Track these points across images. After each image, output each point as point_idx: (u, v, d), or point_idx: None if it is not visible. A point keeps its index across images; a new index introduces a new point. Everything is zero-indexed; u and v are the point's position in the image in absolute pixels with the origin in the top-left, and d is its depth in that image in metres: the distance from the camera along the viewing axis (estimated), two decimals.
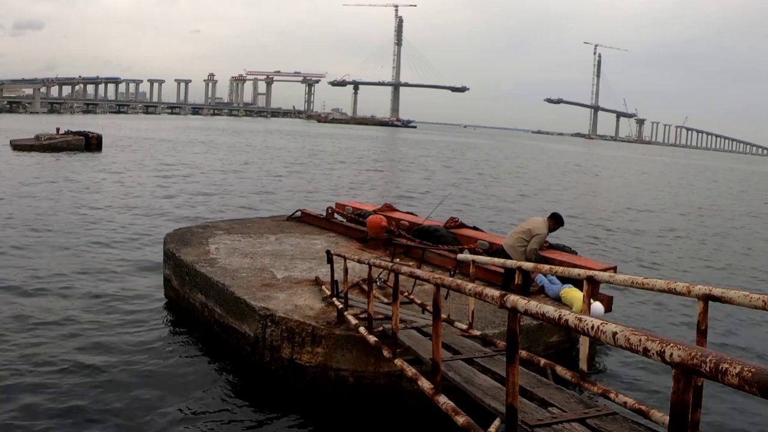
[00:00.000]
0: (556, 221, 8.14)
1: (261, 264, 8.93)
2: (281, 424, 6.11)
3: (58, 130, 41.47)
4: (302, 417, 6.22)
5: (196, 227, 11.58)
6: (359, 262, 7.10)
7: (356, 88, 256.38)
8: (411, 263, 9.11)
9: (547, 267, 5.90)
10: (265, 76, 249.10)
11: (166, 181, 26.32)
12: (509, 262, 6.67)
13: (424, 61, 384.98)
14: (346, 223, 12.10)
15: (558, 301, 8.01)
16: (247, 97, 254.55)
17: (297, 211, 13.32)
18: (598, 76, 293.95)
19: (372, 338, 5.74)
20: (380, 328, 6.10)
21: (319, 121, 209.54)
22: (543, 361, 5.10)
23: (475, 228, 11.38)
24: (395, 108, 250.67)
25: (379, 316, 6.44)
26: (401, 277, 5.24)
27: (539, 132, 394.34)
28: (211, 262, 8.80)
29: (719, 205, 34.10)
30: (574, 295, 7.78)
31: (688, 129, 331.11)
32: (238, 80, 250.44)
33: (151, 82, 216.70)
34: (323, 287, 7.68)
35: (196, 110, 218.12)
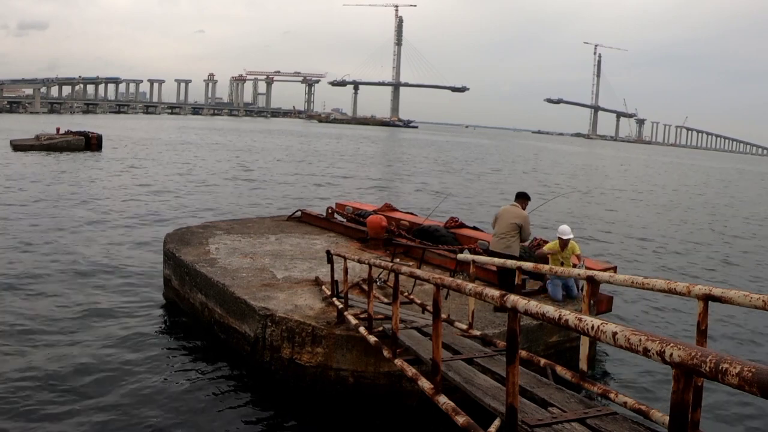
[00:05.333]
0: (524, 199, 8.32)
1: (261, 264, 8.93)
2: (281, 424, 6.11)
3: (58, 130, 41.52)
4: (302, 417, 6.22)
5: (196, 227, 11.57)
6: (359, 262, 7.10)
7: (356, 88, 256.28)
8: (411, 263, 9.11)
9: (547, 267, 5.92)
10: (265, 76, 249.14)
11: (165, 180, 26.32)
12: (510, 262, 6.67)
13: (424, 61, 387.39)
14: (346, 223, 12.09)
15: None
16: (247, 97, 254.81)
17: (297, 211, 13.32)
18: (598, 76, 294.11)
19: (372, 338, 5.74)
20: (380, 328, 6.10)
21: (319, 121, 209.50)
22: (543, 361, 5.10)
23: (475, 228, 11.38)
24: (395, 108, 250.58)
25: (379, 316, 6.44)
26: (401, 277, 5.24)
27: (539, 132, 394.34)
28: (211, 262, 8.79)
29: (718, 204, 34.11)
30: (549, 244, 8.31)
31: (688, 129, 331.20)
32: (238, 80, 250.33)
33: (151, 82, 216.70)
34: (323, 287, 7.67)
35: (196, 110, 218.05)
